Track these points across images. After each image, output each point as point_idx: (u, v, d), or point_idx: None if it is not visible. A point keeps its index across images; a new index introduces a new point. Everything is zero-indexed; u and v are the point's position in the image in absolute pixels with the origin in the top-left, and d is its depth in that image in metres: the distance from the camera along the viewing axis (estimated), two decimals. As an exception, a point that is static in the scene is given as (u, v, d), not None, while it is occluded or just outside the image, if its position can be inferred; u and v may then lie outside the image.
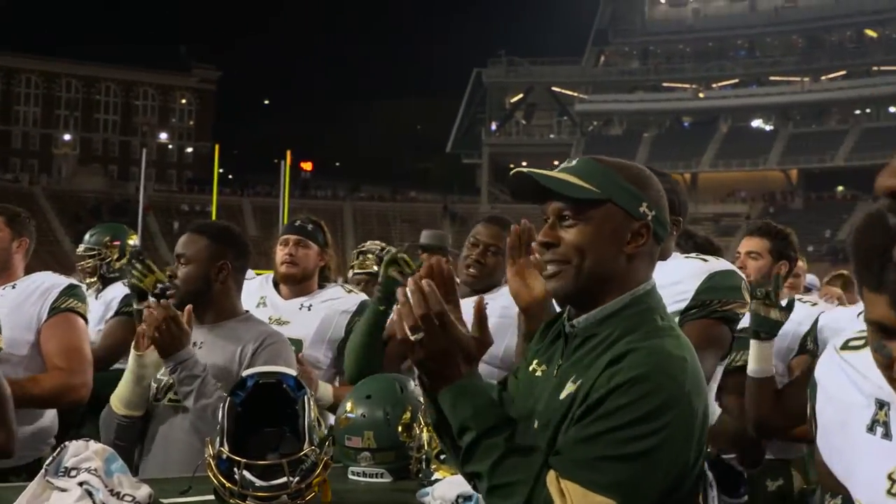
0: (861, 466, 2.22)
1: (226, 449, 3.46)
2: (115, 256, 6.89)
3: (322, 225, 5.94)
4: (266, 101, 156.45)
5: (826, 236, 73.84)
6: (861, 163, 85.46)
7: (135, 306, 5.95)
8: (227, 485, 3.41)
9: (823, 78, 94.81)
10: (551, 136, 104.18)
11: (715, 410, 4.05)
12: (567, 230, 2.63)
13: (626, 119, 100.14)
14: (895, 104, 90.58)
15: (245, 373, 3.67)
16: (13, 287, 5.11)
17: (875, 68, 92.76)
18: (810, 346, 4.72)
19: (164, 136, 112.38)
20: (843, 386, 2.31)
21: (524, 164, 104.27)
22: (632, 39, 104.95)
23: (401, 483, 4.04)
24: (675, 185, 4.00)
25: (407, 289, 2.44)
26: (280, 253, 5.74)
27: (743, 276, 3.97)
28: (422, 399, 2.79)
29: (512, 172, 2.66)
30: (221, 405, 3.60)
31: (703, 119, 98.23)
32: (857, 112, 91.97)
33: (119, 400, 4.32)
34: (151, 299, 5.46)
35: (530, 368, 2.78)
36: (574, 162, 2.71)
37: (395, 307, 2.27)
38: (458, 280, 5.23)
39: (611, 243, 2.63)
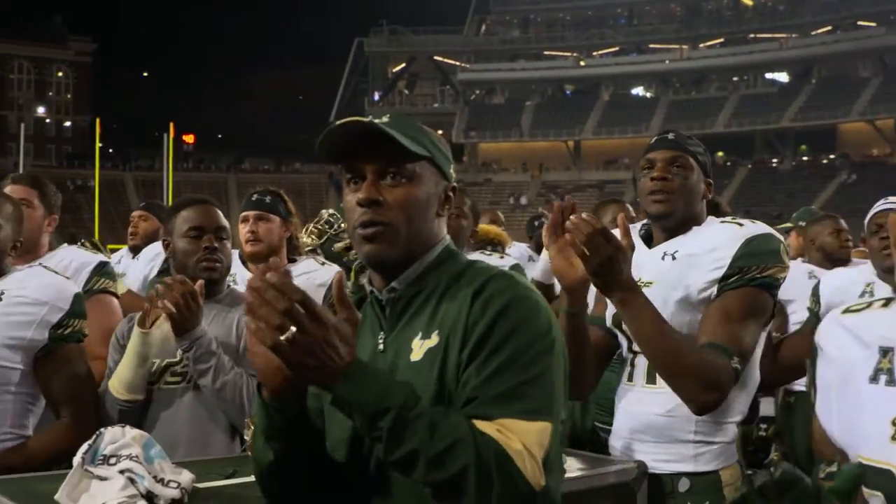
0: (864, 418, 2.25)
1: (273, 428, 3.36)
2: None
3: (282, 195, 5.80)
4: (145, 74, 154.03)
5: (708, 201, 75.00)
6: (740, 129, 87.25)
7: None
8: (277, 466, 3.31)
9: (702, 45, 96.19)
10: (434, 105, 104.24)
11: (756, 377, 4.00)
12: (391, 190, 2.49)
13: (508, 88, 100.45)
14: (771, 71, 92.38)
15: (282, 349, 3.55)
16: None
17: (752, 36, 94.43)
18: (812, 306, 4.81)
19: (41, 110, 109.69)
20: (845, 345, 2.35)
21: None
22: (513, 8, 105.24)
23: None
24: (705, 148, 4.01)
25: (254, 290, 2.14)
26: (242, 230, 5.63)
27: (781, 238, 3.94)
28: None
29: (340, 122, 2.47)
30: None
31: (584, 87, 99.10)
32: (735, 79, 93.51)
33: (121, 383, 4.09)
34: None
35: None
36: (386, 118, 2.51)
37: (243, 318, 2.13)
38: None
39: (431, 205, 2.55)
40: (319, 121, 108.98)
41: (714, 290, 3.69)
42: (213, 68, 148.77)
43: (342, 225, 6.65)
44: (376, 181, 2.49)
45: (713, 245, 3.76)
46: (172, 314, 3.99)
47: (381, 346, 2.52)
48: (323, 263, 5.82)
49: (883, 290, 5.12)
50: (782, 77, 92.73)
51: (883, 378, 2.24)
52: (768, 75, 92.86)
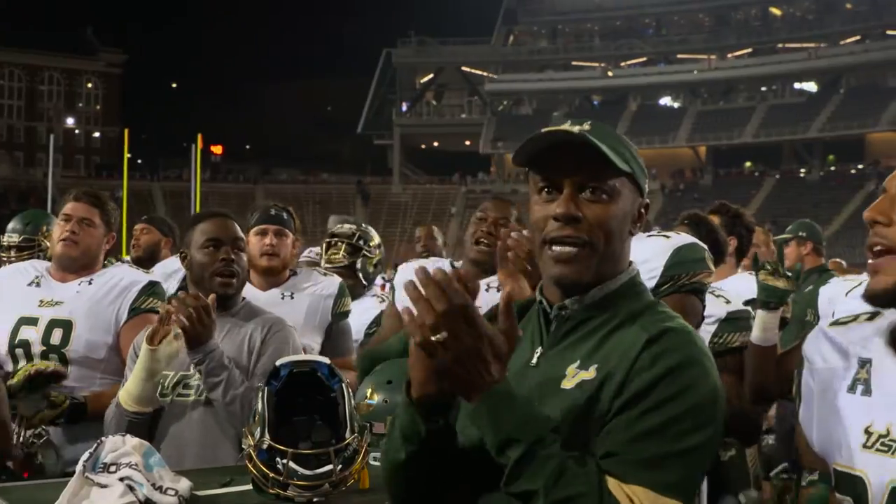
0: (840, 426, 2.31)
1: (267, 438, 3.44)
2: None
3: (292, 212, 5.86)
4: (174, 85, 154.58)
5: (736, 212, 74.70)
6: (768, 139, 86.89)
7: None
8: (271, 475, 3.39)
9: (730, 56, 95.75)
10: (462, 115, 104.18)
11: None
12: (590, 206, 2.35)
13: (536, 98, 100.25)
14: (800, 81, 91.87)
15: (278, 362, 3.63)
16: (90, 283, 4.98)
17: (780, 45, 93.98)
18: (810, 318, 4.89)
19: (70, 121, 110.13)
20: (828, 356, 2.42)
21: (435, 144, 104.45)
22: (540, 18, 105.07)
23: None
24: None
25: (416, 282, 2.12)
26: (258, 243, 5.62)
27: (705, 246, 4.14)
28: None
29: (550, 129, 2.37)
30: (259, 394, 3.55)
31: (612, 97, 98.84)
32: (764, 89, 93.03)
33: (129, 396, 4.21)
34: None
35: None
36: (588, 125, 2.38)
37: (402, 307, 2.13)
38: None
39: (626, 224, 2.43)
40: (347, 132, 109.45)
41: None
42: (241, 79, 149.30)
43: (371, 243, 6.72)
44: (574, 195, 2.36)
45: (644, 258, 3.93)
46: (186, 328, 4.08)
47: (534, 361, 2.42)
48: (325, 274, 5.86)
49: None
50: (810, 87, 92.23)
51: (860, 388, 2.30)
52: (797, 85, 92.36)
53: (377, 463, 4.02)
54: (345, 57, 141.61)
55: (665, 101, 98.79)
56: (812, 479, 2.44)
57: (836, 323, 2.51)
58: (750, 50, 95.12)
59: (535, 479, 2.11)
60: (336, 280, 5.76)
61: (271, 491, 3.42)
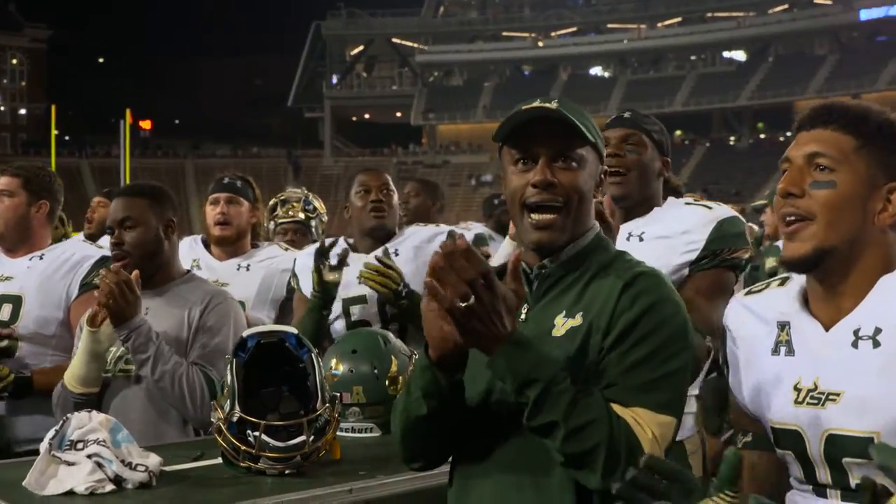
0: (769, 387, 2.53)
1: (238, 411, 3.38)
2: None
3: (251, 181, 5.81)
4: (101, 60, 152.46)
5: (667, 180, 75.22)
6: (698, 107, 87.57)
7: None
8: (243, 447, 3.34)
9: (660, 25, 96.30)
10: (393, 87, 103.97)
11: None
12: (562, 173, 2.63)
13: (466, 69, 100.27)
14: (729, 49, 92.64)
15: (245, 333, 3.58)
16: (41, 258, 4.89)
17: (709, 15, 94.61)
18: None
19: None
20: (748, 323, 2.63)
21: (367, 116, 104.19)
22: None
23: (391, 436, 3.99)
24: (662, 127, 4.13)
25: (440, 258, 2.33)
26: (211, 213, 5.60)
27: (744, 220, 4.11)
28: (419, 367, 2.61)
29: (528, 106, 2.65)
30: (228, 366, 3.49)
31: (543, 67, 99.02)
32: (693, 58, 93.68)
33: (75, 378, 4.16)
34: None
35: None
36: (556, 103, 2.66)
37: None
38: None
39: (591, 189, 2.70)
40: (277, 105, 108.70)
41: (686, 271, 3.87)
42: (169, 54, 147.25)
43: (319, 209, 6.82)
44: (549, 164, 2.62)
45: (685, 228, 3.93)
46: (108, 304, 4.01)
47: (522, 317, 2.63)
48: (286, 249, 5.82)
49: None
50: (739, 56, 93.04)
51: (783, 349, 2.51)
52: (726, 54, 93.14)
53: (347, 434, 4.00)
54: (274, 30, 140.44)
55: (595, 70, 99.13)
56: (746, 440, 2.70)
57: (750, 292, 2.71)
58: (679, 19, 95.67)
59: (554, 411, 2.38)
60: (293, 255, 5.69)
61: (242, 464, 3.38)
